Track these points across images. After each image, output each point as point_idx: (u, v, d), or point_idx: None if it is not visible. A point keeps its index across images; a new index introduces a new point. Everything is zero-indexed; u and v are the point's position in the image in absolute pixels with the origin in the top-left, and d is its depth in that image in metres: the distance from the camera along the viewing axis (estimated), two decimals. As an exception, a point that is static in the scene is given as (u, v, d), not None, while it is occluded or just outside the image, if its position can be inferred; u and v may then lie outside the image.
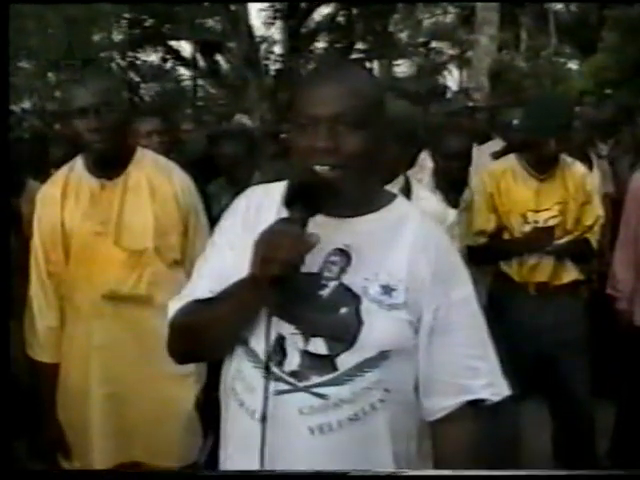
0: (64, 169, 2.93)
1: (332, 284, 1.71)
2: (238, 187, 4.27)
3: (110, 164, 2.81)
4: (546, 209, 3.82)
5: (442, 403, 1.78)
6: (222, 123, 7.21)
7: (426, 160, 4.52)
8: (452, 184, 4.15)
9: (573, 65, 19.28)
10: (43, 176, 3.41)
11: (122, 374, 2.81)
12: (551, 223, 3.82)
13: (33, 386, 3.00)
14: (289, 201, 1.64)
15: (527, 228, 3.83)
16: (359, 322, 1.68)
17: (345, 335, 1.68)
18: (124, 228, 2.79)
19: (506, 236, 3.91)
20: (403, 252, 1.73)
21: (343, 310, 1.69)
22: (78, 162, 2.89)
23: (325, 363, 1.68)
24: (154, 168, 2.89)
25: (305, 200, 1.63)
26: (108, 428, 2.83)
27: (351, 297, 1.70)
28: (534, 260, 3.82)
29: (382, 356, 1.69)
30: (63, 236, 2.82)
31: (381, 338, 1.69)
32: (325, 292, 1.71)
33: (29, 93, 13.39)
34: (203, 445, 2.95)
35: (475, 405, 1.79)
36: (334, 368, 1.68)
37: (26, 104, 13.59)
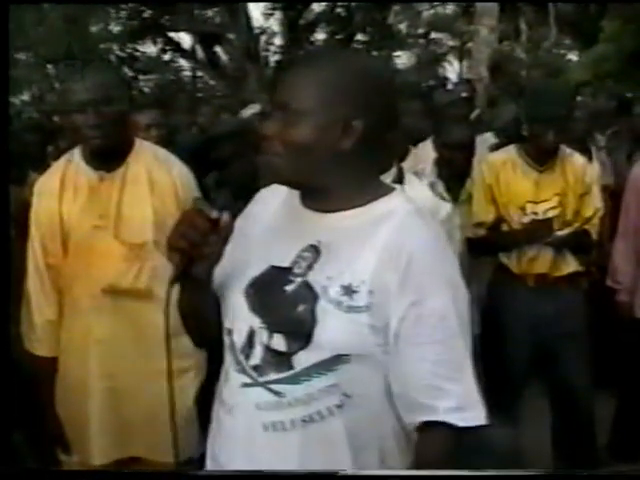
0: (62, 160, 2.91)
1: (298, 280, 1.67)
2: (236, 180, 4.29)
3: (109, 156, 2.79)
4: (545, 200, 3.81)
5: (406, 418, 1.66)
6: (221, 115, 7.18)
7: (427, 150, 4.52)
8: (455, 174, 4.16)
9: (573, 56, 19.24)
10: (43, 167, 3.40)
11: (121, 369, 2.79)
12: (550, 214, 3.81)
13: (32, 380, 2.99)
14: (217, 183, 1.69)
15: (526, 219, 3.82)
16: (313, 321, 1.62)
17: (300, 333, 1.64)
18: (123, 221, 2.77)
19: (505, 228, 3.91)
20: (373, 252, 1.62)
21: (301, 308, 1.65)
22: (76, 153, 2.86)
23: (283, 360, 1.66)
24: (153, 160, 2.86)
25: (228, 184, 1.67)
26: (107, 423, 2.81)
27: (310, 295, 1.64)
28: (533, 252, 3.81)
29: (339, 359, 1.62)
30: (61, 229, 2.81)
31: (335, 340, 1.62)
32: (290, 288, 1.68)
33: (28, 85, 13.38)
34: (200, 440, 2.94)
35: (448, 426, 1.61)
36: (290, 366, 1.65)
37: (25, 96, 13.58)
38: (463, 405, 1.62)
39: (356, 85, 1.64)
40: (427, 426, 1.63)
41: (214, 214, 1.63)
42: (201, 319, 1.84)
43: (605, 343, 4.28)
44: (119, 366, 2.79)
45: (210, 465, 1.83)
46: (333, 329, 1.62)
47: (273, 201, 1.83)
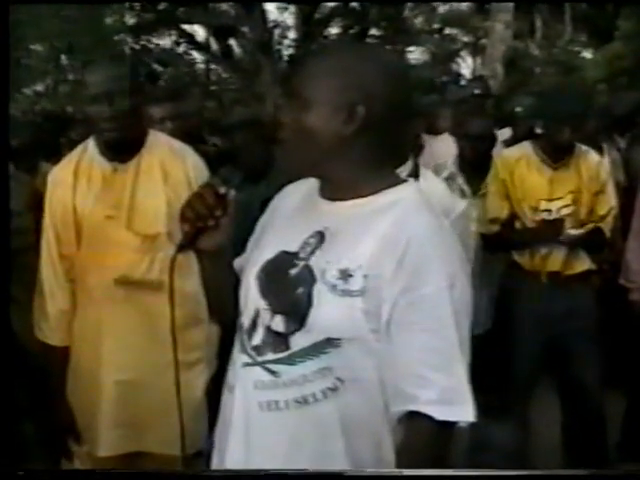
0: (76, 151, 2.92)
1: (301, 264, 1.71)
2: (252, 173, 4.29)
3: (122, 148, 2.80)
4: (559, 198, 3.79)
5: (391, 407, 1.63)
6: (236, 109, 7.18)
7: (445, 145, 4.52)
8: (476, 168, 4.15)
9: (588, 54, 19.14)
10: (56, 158, 3.41)
11: (133, 360, 2.80)
12: (564, 212, 3.79)
13: (43, 369, 3.00)
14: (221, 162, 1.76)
15: (539, 217, 3.81)
16: (309, 303, 1.66)
17: (297, 315, 1.67)
18: (136, 212, 2.77)
19: (518, 225, 3.89)
20: (372, 238, 1.64)
21: (300, 290, 1.68)
22: (90, 144, 2.87)
23: (280, 341, 1.69)
24: (167, 151, 2.87)
25: (233, 163, 1.73)
26: (118, 414, 2.81)
27: (310, 278, 1.68)
28: (546, 250, 3.80)
29: (331, 342, 1.64)
30: (75, 219, 2.81)
31: (328, 323, 1.64)
32: (294, 271, 1.71)
33: (42, 75, 13.40)
34: (210, 432, 2.94)
35: (428, 418, 1.57)
36: (287, 347, 1.68)
37: (39, 86, 13.61)
38: (447, 398, 1.57)
39: (360, 72, 1.68)
40: (409, 417, 1.59)
41: (222, 190, 1.72)
42: (215, 291, 1.95)
43: (617, 341, 4.26)
44: (131, 357, 2.80)
45: (215, 456, 1.85)
46: (326, 312, 1.64)
47: (296, 195, 1.88)
